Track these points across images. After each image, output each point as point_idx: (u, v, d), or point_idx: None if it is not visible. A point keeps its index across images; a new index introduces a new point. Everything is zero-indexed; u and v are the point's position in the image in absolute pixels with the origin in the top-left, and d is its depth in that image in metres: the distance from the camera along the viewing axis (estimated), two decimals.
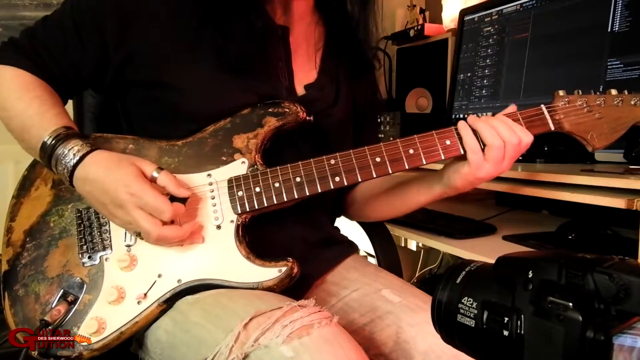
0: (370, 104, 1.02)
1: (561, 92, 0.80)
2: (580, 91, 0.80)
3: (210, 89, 0.81)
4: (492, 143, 0.75)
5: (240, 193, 0.78)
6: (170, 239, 0.73)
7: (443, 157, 0.78)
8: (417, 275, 1.93)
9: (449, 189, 0.83)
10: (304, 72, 0.90)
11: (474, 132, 0.77)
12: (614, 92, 0.79)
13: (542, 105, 0.80)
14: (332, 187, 0.77)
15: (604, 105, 0.79)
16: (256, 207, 0.77)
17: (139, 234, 0.73)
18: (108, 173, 0.72)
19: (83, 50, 0.80)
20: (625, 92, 0.79)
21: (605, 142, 0.79)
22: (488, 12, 1.45)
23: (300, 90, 0.88)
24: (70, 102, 0.92)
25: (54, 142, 0.74)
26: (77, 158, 0.73)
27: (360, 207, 1.02)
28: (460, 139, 0.78)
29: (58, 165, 0.74)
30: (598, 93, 0.80)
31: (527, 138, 0.76)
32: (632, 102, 0.78)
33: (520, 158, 1.21)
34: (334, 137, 0.91)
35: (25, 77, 0.79)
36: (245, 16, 0.79)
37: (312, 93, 0.89)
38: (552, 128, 0.79)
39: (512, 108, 0.81)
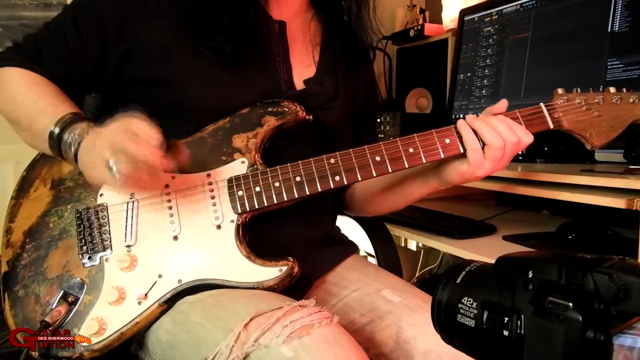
0: (369, 98, 1.02)
1: (560, 90, 0.80)
2: (579, 89, 0.81)
3: (209, 85, 0.82)
4: (492, 143, 0.75)
5: (240, 193, 0.78)
6: (153, 159, 0.66)
7: (443, 156, 0.78)
8: (417, 275, 1.93)
9: (444, 183, 0.84)
10: (303, 67, 0.90)
11: (473, 131, 0.77)
12: (612, 90, 0.79)
13: (541, 104, 0.80)
14: (332, 186, 0.77)
15: (603, 103, 0.79)
16: (256, 206, 0.77)
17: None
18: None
19: (84, 48, 0.81)
20: (624, 90, 0.79)
21: (604, 140, 0.79)
22: (488, 12, 1.45)
23: (299, 85, 0.89)
24: None
25: (68, 120, 0.74)
26: (90, 129, 0.73)
27: (360, 203, 1.03)
28: (460, 137, 0.78)
29: (68, 136, 0.73)
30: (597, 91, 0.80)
31: (527, 138, 0.76)
32: (631, 100, 0.78)
33: (520, 158, 1.22)
34: (334, 133, 0.91)
35: (33, 75, 0.80)
36: (241, 11, 0.80)
37: (312, 87, 0.89)
38: (551, 126, 0.79)
39: (503, 102, 0.80)
